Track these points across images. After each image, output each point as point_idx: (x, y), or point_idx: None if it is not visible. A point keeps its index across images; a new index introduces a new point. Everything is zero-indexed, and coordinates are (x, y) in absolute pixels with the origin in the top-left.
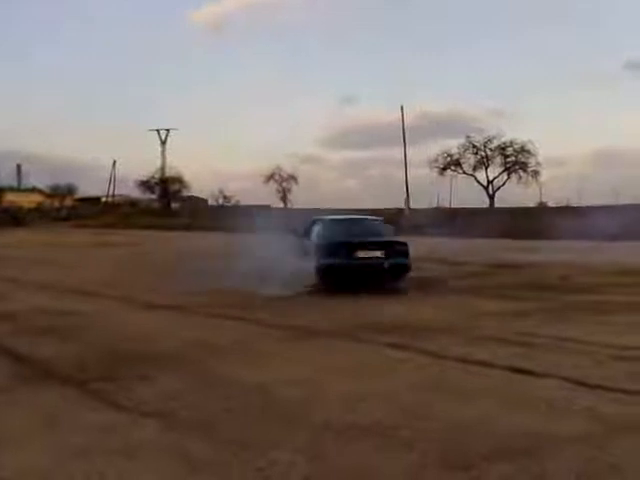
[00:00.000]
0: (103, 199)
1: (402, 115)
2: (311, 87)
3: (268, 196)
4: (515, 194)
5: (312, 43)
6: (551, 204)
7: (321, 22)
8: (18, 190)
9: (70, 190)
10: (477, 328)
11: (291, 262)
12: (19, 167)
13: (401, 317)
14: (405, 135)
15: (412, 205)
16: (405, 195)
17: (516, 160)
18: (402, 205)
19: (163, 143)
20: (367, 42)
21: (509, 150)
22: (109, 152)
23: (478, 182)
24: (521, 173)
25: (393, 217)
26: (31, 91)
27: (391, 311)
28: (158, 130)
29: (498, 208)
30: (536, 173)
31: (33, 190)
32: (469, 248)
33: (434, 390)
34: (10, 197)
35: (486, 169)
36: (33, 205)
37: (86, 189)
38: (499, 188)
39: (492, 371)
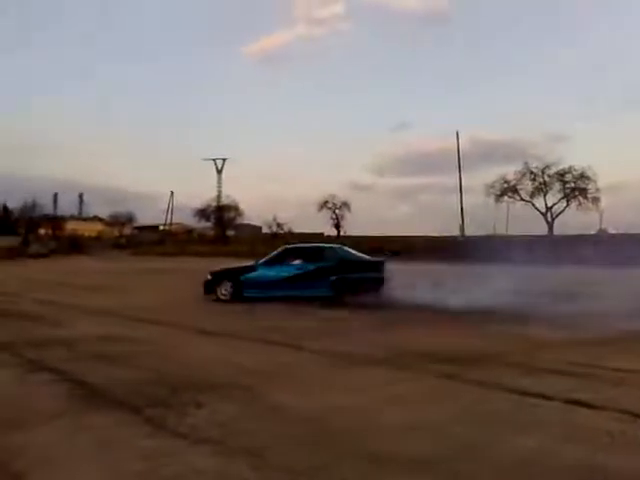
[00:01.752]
0: (161, 227)
1: (457, 141)
2: (363, 115)
3: (321, 223)
4: (575, 221)
5: (364, 71)
6: (611, 230)
7: (372, 50)
8: (80, 219)
9: (129, 219)
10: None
11: None
12: (81, 196)
13: (452, 346)
14: (460, 162)
15: (467, 232)
16: (460, 222)
17: (575, 186)
18: (456, 232)
19: (219, 172)
20: (419, 69)
21: (568, 176)
22: (167, 182)
23: (536, 209)
24: (580, 199)
25: (444, 244)
26: (91, 123)
27: (442, 339)
28: (214, 160)
29: (558, 235)
30: (596, 199)
31: (94, 219)
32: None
33: (489, 421)
34: (72, 225)
35: (544, 196)
36: (94, 233)
37: (145, 218)
38: (558, 215)
39: (549, 403)
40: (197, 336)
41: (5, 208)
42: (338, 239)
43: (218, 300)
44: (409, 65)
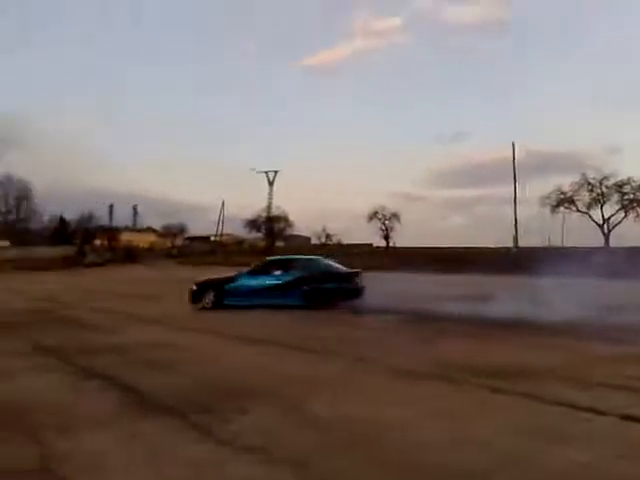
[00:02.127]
0: (212, 238)
1: (513, 152)
2: (417, 126)
3: (371, 235)
4: (632, 233)
5: (419, 82)
6: None
7: (427, 61)
8: (134, 230)
9: (181, 230)
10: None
11: None
12: (135, 208)
13: (500, 358)
14: (515, 172)
15: (521, 243)
16: (514, 233)
17: (634, 197)
18: (511, 244)
19: (271, 184)
20: (474, 80)
21: (627, 188)
22: (219, 193)
23: (592, 220)
24: (639, 210)
25: (496, 256)
26: (145, 136)
27: (489, 352)
28: (266, 172)
29: (614, 247)
30: None
31: (148, 230)
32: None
33: (538, 435)
34: (127, 236)
35: (601, 207)
36: (147, 244)
37: (196, 228)
38: (615, 226)
39: (602, 417)
40: (239, 344)
41: (62, 219)
42: (387, 250)
43: (203, 308)
44: (464, 76)
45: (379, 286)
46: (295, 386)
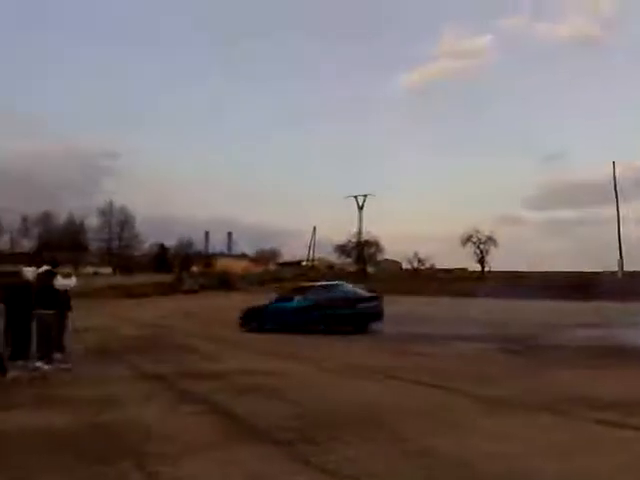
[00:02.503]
0: (303, 263)
1: (614, 171)
2: (511, 146)
3: (465, 259)
4: None
5: (512, 101)
6: None
7: (520, 79)
8: (228, 256)
9: (274, 255)
10: None
11: None
12: (230, 234)
13: (613, 389)
14: (617, 193)
15: (628, 267)
16: (618, 257)
17: None
18: (614, 267)
19: (360, 208)
20: (570, 97)
21: None
22: (310, 218)
23: None
24: None
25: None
26: (237, 162)
27: (600, 382)
28: (356, 196)
29: None
30: None
31: (242, 256)
32: None
33: None
34: (222, 262)
35: None
36: (241, 269)
37: (288, 253)
38: None
39: None
40: (336, 372)
41: (162, 246)
42: (482, 274)
43: (250, 331)
44: (559, 93)
45: (476, 313)
46: (399, 417)
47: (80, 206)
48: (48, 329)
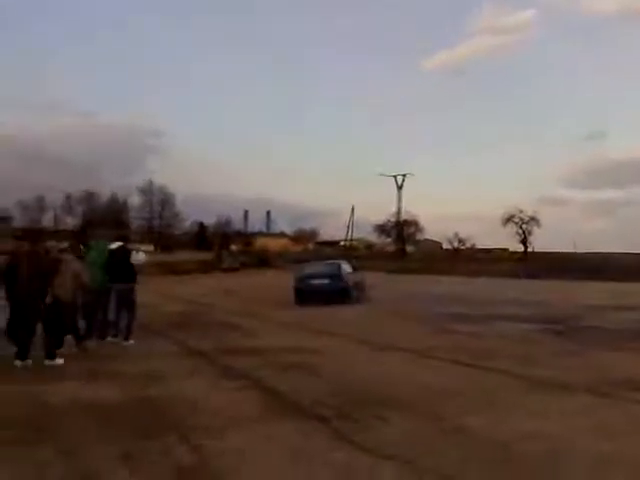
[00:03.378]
0: (341, 242)
1: None
2: (554, 125)
3: (506, 239)
4: None
5: (553, 78)
6: None
7: (562, 55)
8: (267, 234)
9: (312, 234)
10: None
11: None
12: (268, 213)
13: None
14: None
15: None
16: None
17: None
18: None
19: (399, 188)
20: (615, 73)
21: None
22: (349, 197)
23: None
24: None
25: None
26: (278, 144)
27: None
28: (395, 176)
29: None
30: None
31: (280, 235)
32: None
33: None
34: (260, 241)
35: None
36: (279, 248)
37: (327, 233)
38: None
39: None
40: (374, 350)
41: (202, 225)
42: (525, 255)
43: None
44: (603, 69)
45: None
46: (437, 396)
47: (124, 185)
48: (130, 303)
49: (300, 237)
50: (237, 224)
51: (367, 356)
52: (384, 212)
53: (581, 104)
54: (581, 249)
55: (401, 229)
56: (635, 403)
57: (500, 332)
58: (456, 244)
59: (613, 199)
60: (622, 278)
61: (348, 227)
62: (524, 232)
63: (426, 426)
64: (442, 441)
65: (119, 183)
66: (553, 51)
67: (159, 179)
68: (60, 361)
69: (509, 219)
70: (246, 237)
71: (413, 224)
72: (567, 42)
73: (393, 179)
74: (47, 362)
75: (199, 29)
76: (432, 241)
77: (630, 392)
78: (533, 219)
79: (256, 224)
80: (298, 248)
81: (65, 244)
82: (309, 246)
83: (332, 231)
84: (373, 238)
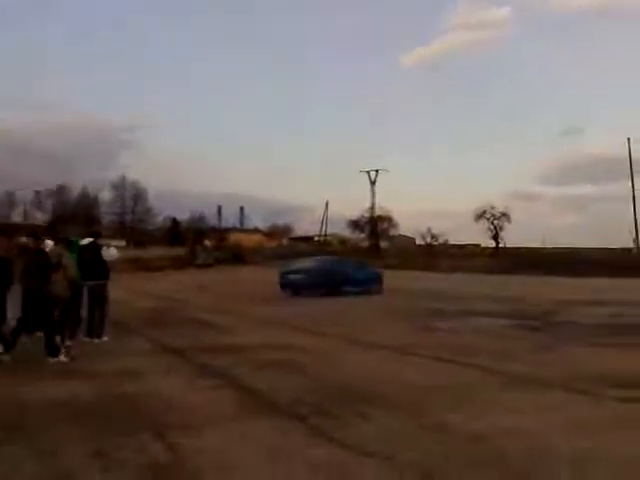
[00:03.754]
0: (315, 238)
1: (629, 147)
2: (527, 121)
3: (479, 234)
4: None
5: (528, 75)
6: None
7: (536, 52)
8: (241, 230)
9: (287, 230)
10: None
11: None
12: (242, 209)
13: (633, 368)
14: (632, 169)
15: None
16: (633, 234)
17: None
18: (630, 244)
19: (373, 183)
20: (588, 70)
21: None
22: (323, 194)
23: None
24: None
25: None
26: (250, 138)
27: (618, 360)
28: (368, 171)
29: None
30: None
31: (254, 230)
32: None
33: None
34: (234, 237)
35: None
36: (253, 244)
37: (301, 229)
38: None
39: None
40: (351, 345)
41: (174, 220)
42: (496, 251)
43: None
44: (576, 66)
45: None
46: (416, 393)
47: (97, 179)
48: (102, 300)
49: (274, 233)
50: (211, 220)
51: (347, 353)
52: (359, 208)
53: (557, 100)
54: (550, 244)
55: (375, 225)
56: (609, 399)
57: (478, 328)
58: (429, 240)
59: (586, 195)
60: (591, 273)
61: (322, 222)
62: (495, 228)
63: (407, 422)
64: (423, 437)
65: (94, 178)
66: (528, 48)
67: (132, 174)
68: (64, 359)
69: (481, 215)
70: (220, 233)
71: (387, 220)
72: (542, 39)
73: (367, 175)
74: (50, 360)
75: (198, 29)
76: (406, 237)
77: (604, 388)
78: (504, 215)
79: (230, 220)
80: (272, 244)
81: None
82: (283, 242)
83: (307, 226)
84: (347, 234)
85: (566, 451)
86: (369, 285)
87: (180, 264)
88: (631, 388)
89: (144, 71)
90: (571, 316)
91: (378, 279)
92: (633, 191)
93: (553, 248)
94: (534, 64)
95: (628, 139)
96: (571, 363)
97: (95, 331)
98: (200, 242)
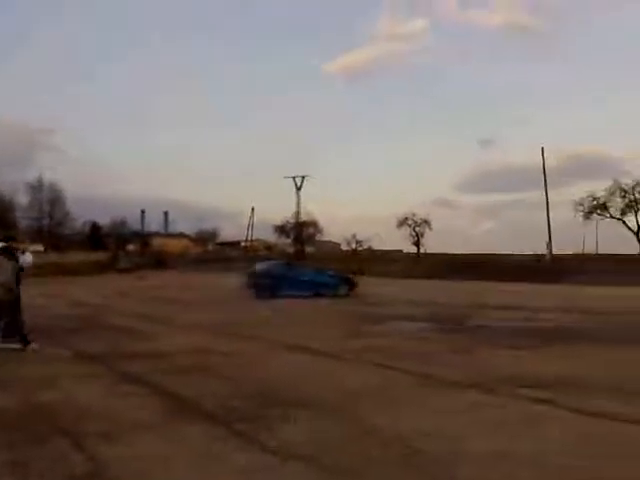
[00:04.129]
0: (242, 243)
1: (543, 157)
2: (447, 131)
3: (401, 241)
4: None
5: (444, 86)
6: None
7: (454, 64)
8: (166, 235)
9: (213, 235)
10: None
11: None
12: (166, 214)
13: (539, 368)
14: (546, 178)
15: (555, 250)
16: (547, 240)
17: None
18: (544, 251)
19: (298, 189)
20: (502, 84)
21: None
22: (250, 199)
23: (628, 227)
24: None
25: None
26: (173, 142)
27: (526, 362)
28: (294, 177)
29: None
30: None
31: (180, 235)
32: None
33: (591, 453)
34: (158, 242)
35: (636, 214)
36: (179, 249)
37: (228, 234)
38: None
39: None
40: (279, 350)
41: (95, 225)
42: (417, 256)
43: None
44: (493, 79)
45: (406, 294)
46: (340, 396)
47: (12, 181)
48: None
49: (200, 238)
50: (134, 225)
51: (273, 357)
52: (285, 213)
53: (475, 111)
54: (466, 250)
55: (300, 230)
56: (521, 399)
57: (401, 331)
58: (354, 245)
59: (500, 202)
60: (503, 278)
61: (248, 228)
62: (417, 234)
63: (332, 425)
64: (347, 439)
65: (7, 180)
66: (446, 59)
67: (51, 178)
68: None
69: (403, 222)
70: (143, 238)
71: (312, 225)
72: (458, 51)
73: (292, 181)
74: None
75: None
76: (331, 242)
77: (516, 388)
78: (425, 222)
79: (154, 224)
80: (199, 249)
81: None
82: (209, 247)
83: (233, 232)
84: (273, 239)
85: (478, 450)
86: (330, 289)
87: (101, 269)
88: (542, 389)
89: (63, 72)
90: (485, 320)
91: (345, 283)
92: (547, 199)
93: (467, 254)
94: (453, 74)
95: (542, 149)
96: (487, 365)
97: (8, 338)
98: (123, 247)
